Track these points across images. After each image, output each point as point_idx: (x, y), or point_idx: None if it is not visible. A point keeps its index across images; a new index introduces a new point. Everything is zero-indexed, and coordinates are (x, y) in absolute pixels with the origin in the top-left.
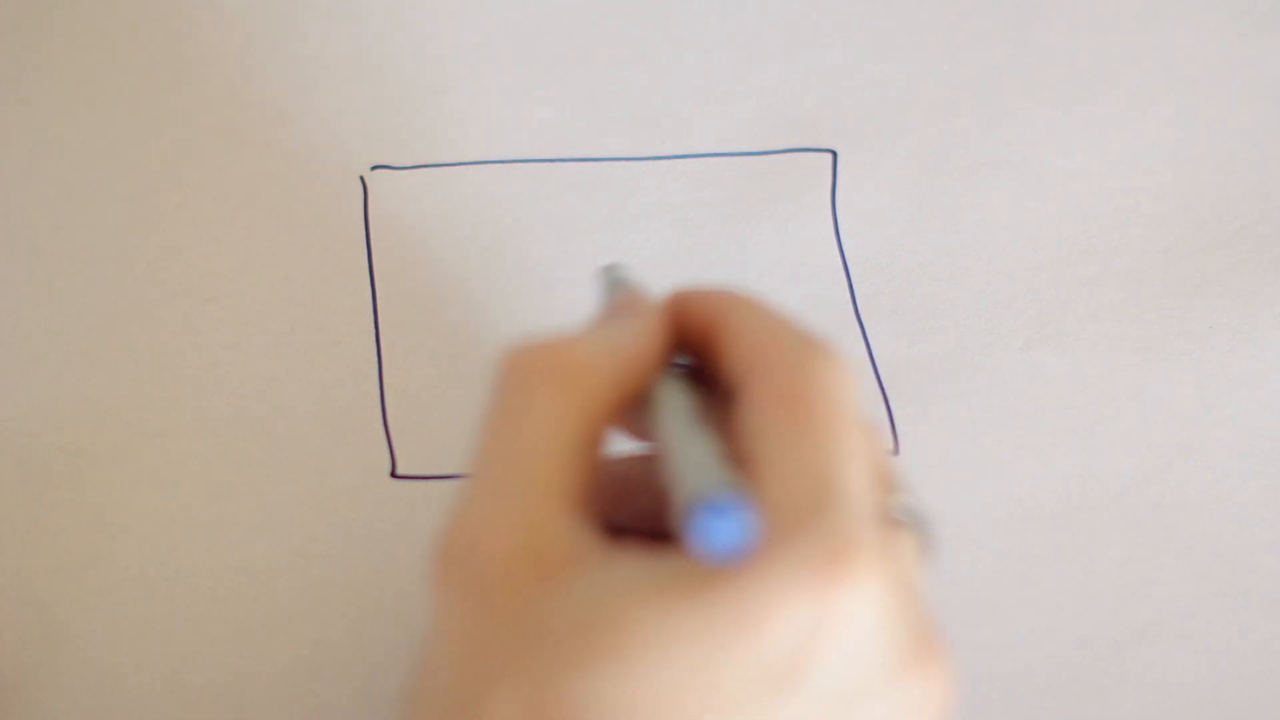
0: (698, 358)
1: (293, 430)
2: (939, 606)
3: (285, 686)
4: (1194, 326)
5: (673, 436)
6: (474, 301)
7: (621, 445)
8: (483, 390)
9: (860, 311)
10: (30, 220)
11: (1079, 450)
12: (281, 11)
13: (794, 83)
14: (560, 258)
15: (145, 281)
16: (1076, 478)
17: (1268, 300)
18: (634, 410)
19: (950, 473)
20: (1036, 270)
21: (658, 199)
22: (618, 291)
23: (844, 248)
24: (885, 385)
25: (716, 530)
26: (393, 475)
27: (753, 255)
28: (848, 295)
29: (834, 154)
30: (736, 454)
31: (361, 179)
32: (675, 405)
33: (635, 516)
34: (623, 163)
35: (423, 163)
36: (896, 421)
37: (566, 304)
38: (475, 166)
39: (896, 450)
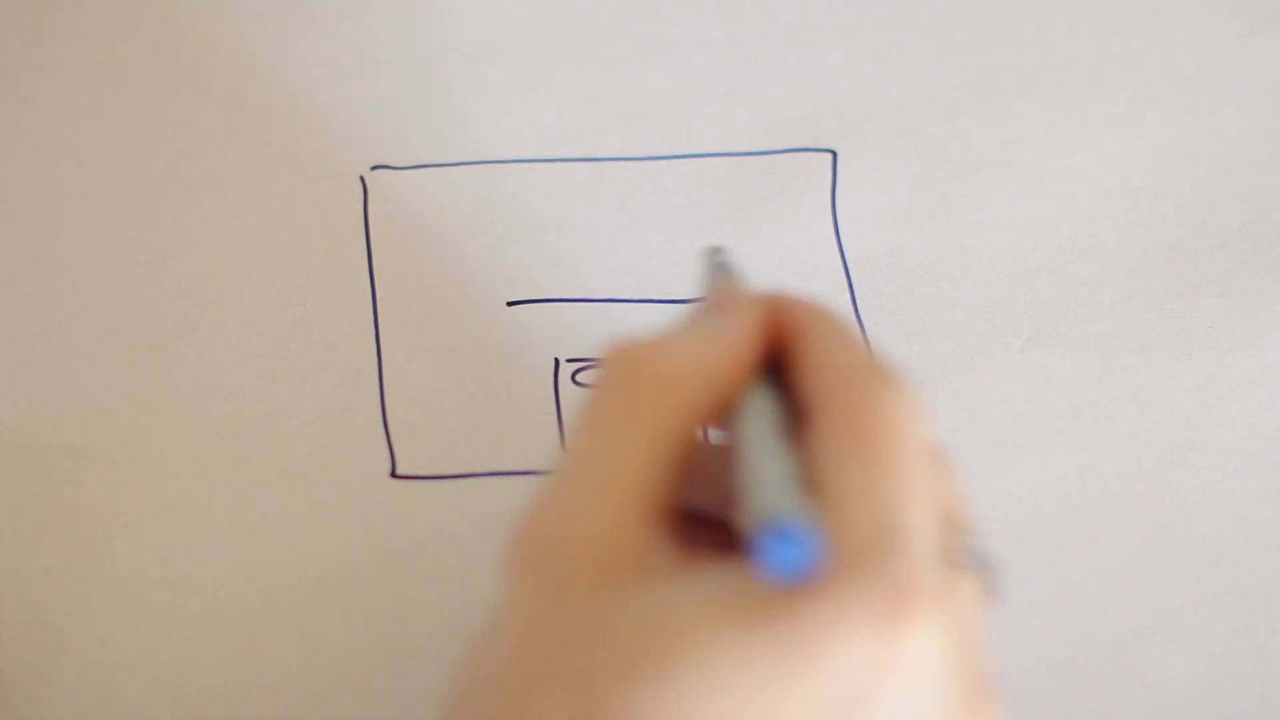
0: (774, 367)
1: (293, 430)
2: None
3: (285, 686)
4: (1194, 326)
5: (754, 447)
6: (474, 301)
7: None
8: (483, 390)
9: (860, 311)
10: (30, 220)
11: (1079, 450)
12: (281, 11)
13: (794, 83)
14: (560, 258)
15: (145, 281)
16: (1076, 478)
17: (1268, 300)
18: (725, 417)
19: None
20: (1036, 270)
21: (658, 199)
22: (719, 278)
23: (844, 248)
24: None
25: (784, 552)
26: (393, 475)
27: (753, 255)
28: (848, 295)
29: (834, 154)
30: (805, 475)
31: (361, 179)
32: (760, 416)
33: (703, 500)
34: (623, 163)
35: (423, 163)
36: None
37: (567, 304)
38: (475, 166)
39: None
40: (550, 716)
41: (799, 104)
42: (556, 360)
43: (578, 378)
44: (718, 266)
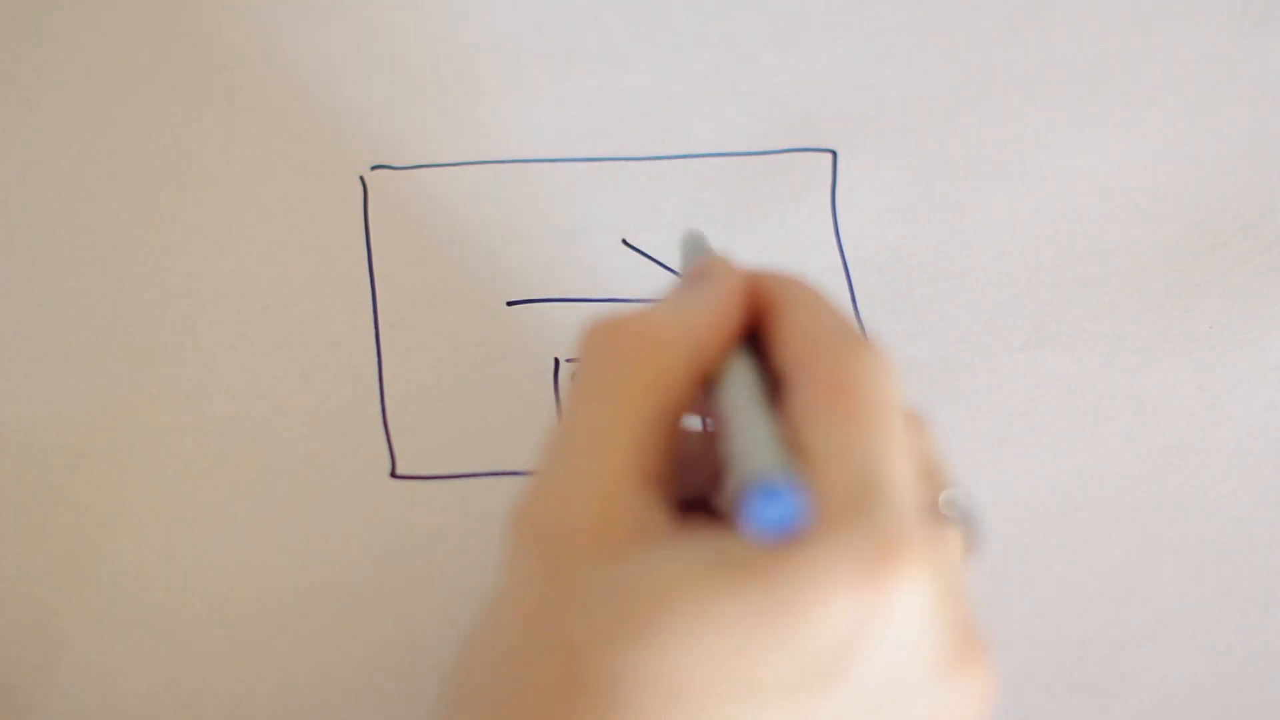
0: (753, 339)
1: (293, 430)
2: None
3: (284, 686)
4: (1194, 326)
5: (736, 413)
6: (474, 301)
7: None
8: (483, 390)
9: (860, 311)
10: (30, 220)
11: (1079, 450)
12: (282, 12)
13: (794, 83)
14: (560, 258)
15: (145, 281)
16: (1076, 478)
17: (1268, 300)
18: (707, 385)
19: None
20: (1036, 270)
21: (658, 199)
22: (698, 255)
23: (844, 248)
24: None
25: (770, 510)
26: (393, 475)
27: (753, 255)
28: (848, 295)
29: (834, 154)
30: (787, 439)
31: (361, 179)
32: (742, 382)
33: (691, 491)
34: (623, 163)
35: (423, 163)
36: None
37: (567, 303)
38: (475, 166)
39: None
40: (543, 685)
41: (799, 104)
42: (556, 360)
43: None
44: (696, 249)
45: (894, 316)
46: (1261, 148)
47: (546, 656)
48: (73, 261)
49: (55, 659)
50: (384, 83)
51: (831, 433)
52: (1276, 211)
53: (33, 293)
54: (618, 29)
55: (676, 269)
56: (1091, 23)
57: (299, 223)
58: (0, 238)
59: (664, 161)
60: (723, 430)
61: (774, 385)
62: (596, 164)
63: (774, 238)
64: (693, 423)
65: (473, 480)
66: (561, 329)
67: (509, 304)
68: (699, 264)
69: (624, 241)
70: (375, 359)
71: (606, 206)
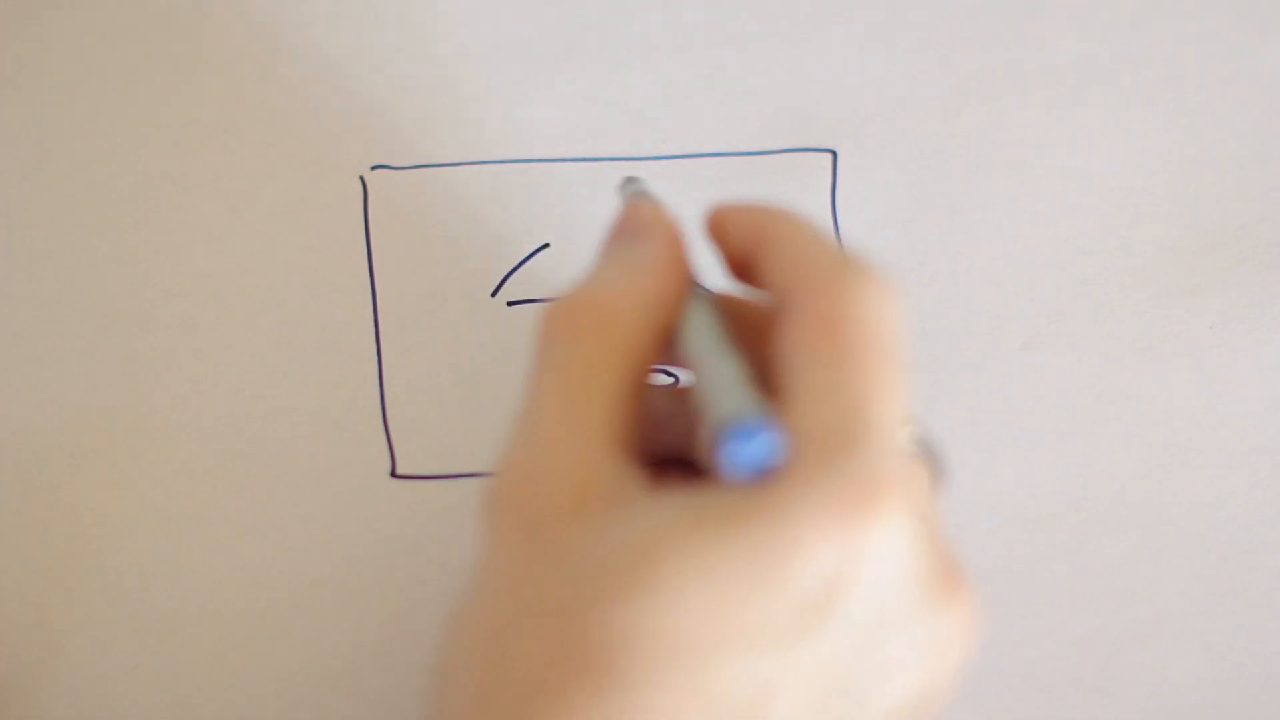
0: (741, 279)
1: (293, 430)
2: None
3: (284, 686)
4: (1194, 326)
5: (700, 361)
6: (474, 301)
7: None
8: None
9: None
10: (30, 220)
11: (1079, 450)
12: (281, 11)
13: (794, 83)
14: (560, 258)
15: (145, 281)
16: (1076, 478)
17: (1268, 300)
18: (669, 339)
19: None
20: (1036, 270)
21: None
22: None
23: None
24: None
25: (744, 452)
26: (393, 475)
27: None
28: None
29: (834, 154)
30: (772, 378)
31: (361, 179)
32: (702, 328)
33: (667, 448)
34: (623, 163)
35: (423, 162)
36: None
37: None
38: (475, 166)
39: None
40: (537, 656)
41: (799, 104)
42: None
43: None
44: (635, 195)
45: None
46: (1261, 148)
47: (537, 628)
48: (73, 261)
49: (54, 659)
50: (384, 83)
51: (817, 370)
52: (1276, 211)
53: (32, 293)
54: (618, 29)
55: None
56: (1091, 23)
57: (299, 222)
58: (0, 238)
59: (664, 161)
60: (693, 381)
61: (753, 328)
62: (596, 164)
63: None
64: (659, 378)
65: (473, 480)
66: None
67: (509, 304)
68: (627, 212)
69: None
70: (375, 359)
71: (606, 206)
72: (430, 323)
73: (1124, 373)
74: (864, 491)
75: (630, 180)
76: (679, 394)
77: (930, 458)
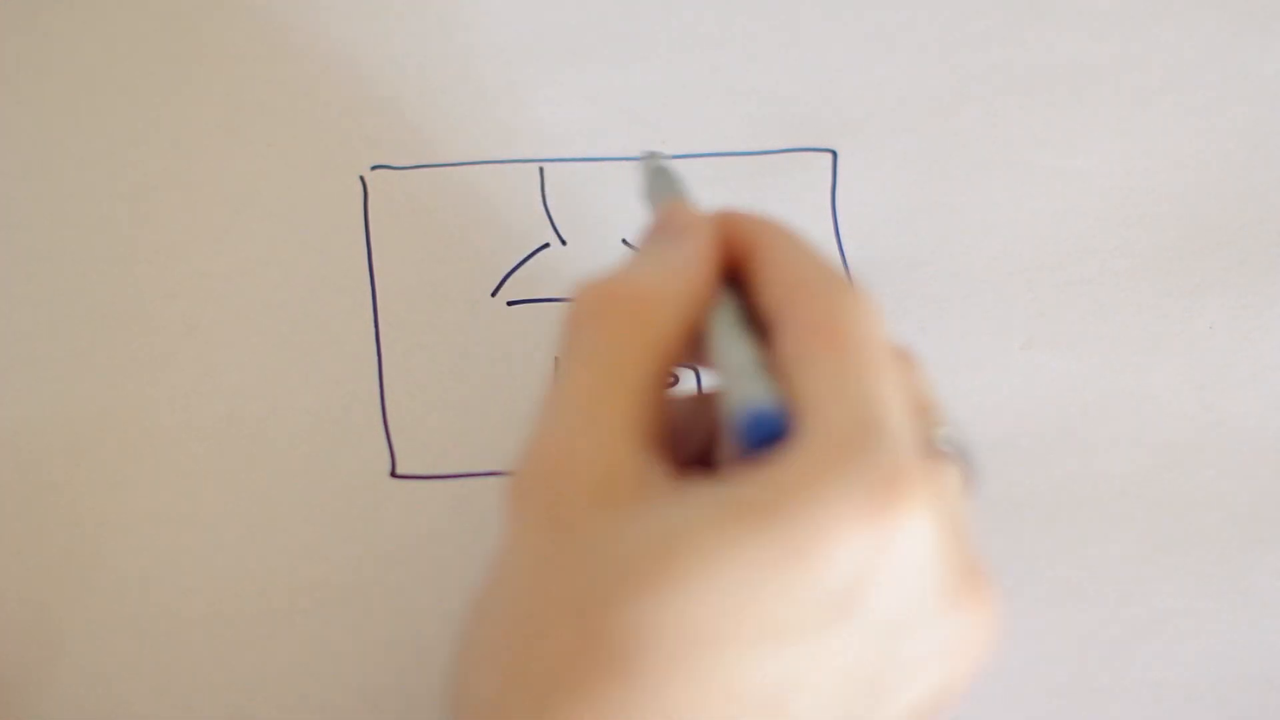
0: (732, 281)
1: (293, 430)
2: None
3: (284, 686)
4: (1194, 326)
5: (725, 352)
6: (474, 301)
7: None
8: (482, 390)
9: None
10: (30, 220)
11: (1079, 450)
12: (281, 11)
13: (794, 83)
14: (560, 257)
15: (145, 281)
16: (1077, 477)
17: (1268, 300)
18: (694, 337)
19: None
20: (1036, 270)
21: None
22: (660, 185)
23: (844, 247)
24: None
25: (764, 432)
26: (393, 475)
27: None
28: None
29: (834, 154)
30: (778, 379)
31: (361, 179)
32: (727, 324)
33: (689, 457)
34: (623, 163)
35: (423, 163)
36: None
37: (568, 303)
38: (475, 166)
39: None
40: (560, 649)
41: (799, 104)
42: (557, 360)
43: None
44: (658, 173)
45: (894, 316)
46: (1261, 148)
47: (561, 621)
48: (73, 261)
49: (55, 659)
50: (384, 83)
51: (822, 373)
52: (1276, 211)
53: (33, 293)
54: (618, 29)
55: (643, 195)
56: (1091, 23)
57: (299, 222)
58: (0, 238)
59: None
60: (716, 373)
61: (760, 328)
62: (597, 164)
63: None
64: (684, 377)
65: (473, 480)
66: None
67: (509, 304)
68: (669, 214)
69: (624, 241)
70: (375, 359)
71: (606, 206)
72: (430, 323)
73: (1124, 373)
74: (887, 488)
75: (652, 154)
76: (701, 401)
77: (963, 459)
